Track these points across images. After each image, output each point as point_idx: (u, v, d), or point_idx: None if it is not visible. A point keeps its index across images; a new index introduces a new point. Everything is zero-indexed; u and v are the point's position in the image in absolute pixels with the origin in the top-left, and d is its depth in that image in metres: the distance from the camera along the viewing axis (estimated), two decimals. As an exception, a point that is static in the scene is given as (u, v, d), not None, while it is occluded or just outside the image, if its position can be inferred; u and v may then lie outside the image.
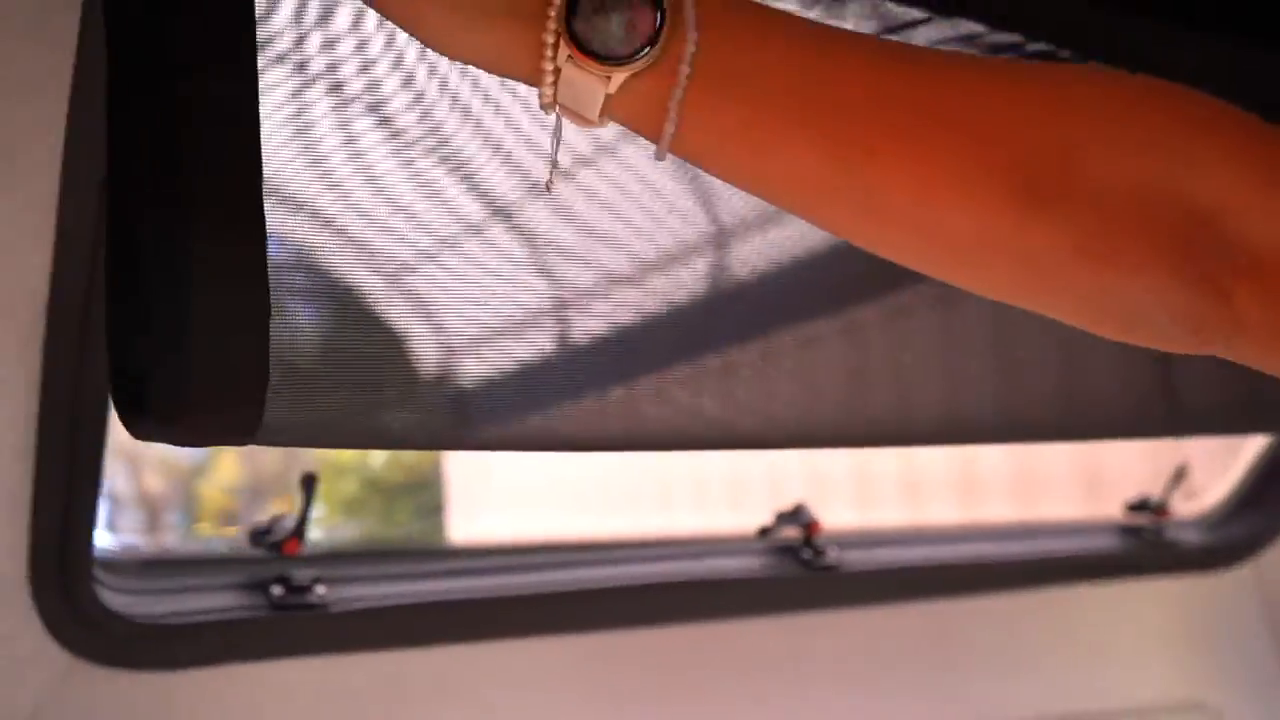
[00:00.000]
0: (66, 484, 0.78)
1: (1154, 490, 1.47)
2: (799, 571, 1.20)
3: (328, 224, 0.66)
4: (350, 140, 0.66)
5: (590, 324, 0.77)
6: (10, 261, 0.73)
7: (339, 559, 0.99)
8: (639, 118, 0.48)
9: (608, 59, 0.46)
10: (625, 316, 0.79)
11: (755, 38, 0.48)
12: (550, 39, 0.46)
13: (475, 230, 0.72)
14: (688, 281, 0.82)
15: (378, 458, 4.99)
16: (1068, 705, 1.40)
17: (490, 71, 0.49)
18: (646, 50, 0.46)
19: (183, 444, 0.57)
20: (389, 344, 0.69)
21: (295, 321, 0.64)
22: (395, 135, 0.68)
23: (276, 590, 0.92)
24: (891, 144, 0.47)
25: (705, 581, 1.15)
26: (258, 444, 0.59)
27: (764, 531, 1.22)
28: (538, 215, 0.75)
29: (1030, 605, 1.37)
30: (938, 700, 1.31)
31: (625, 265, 0.79)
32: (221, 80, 0.52)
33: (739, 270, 0.85)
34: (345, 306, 0.67)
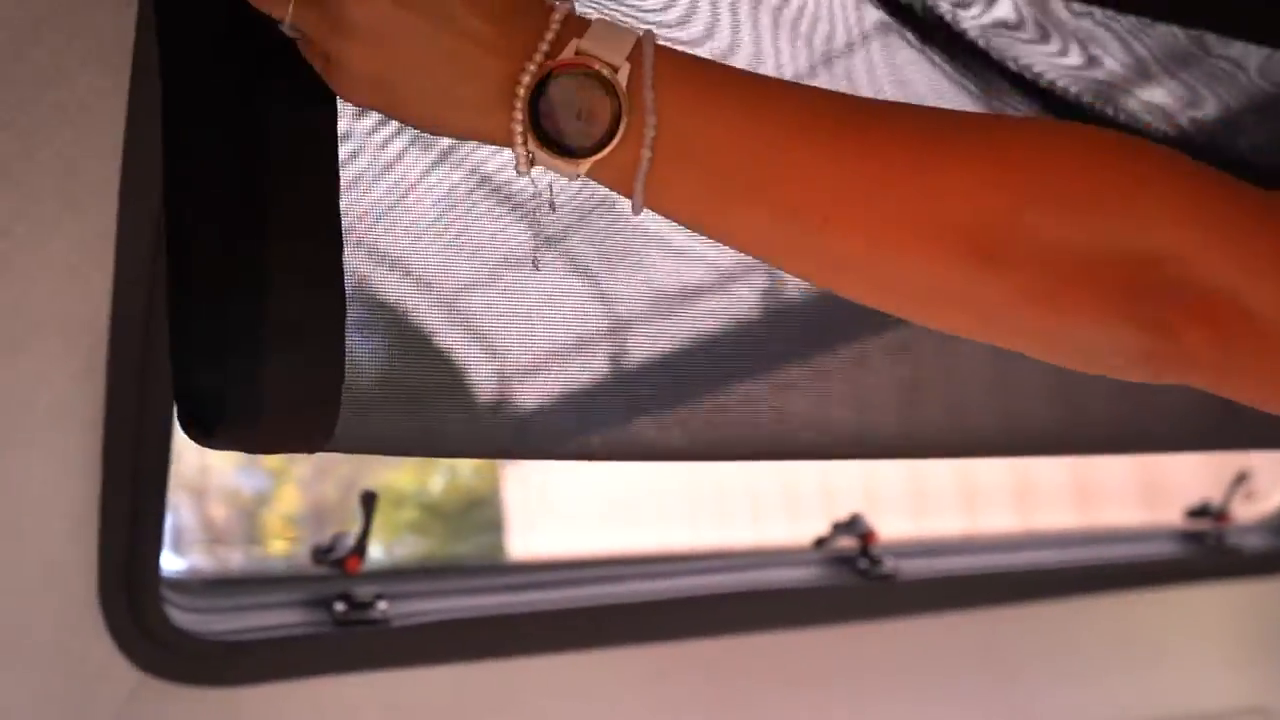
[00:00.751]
0: (133, 503, 0.80)
1: (1215, 496, 1.45)
2: (856, 581, 1.19)
3: (383, 242, 0.67)
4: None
5: (646, 344, 0.79)
6: (73, 284, 0.74)
7: (399, 575, 1.01)
8: (612, 185, 0.51)
9: (572, 153, 0.50)
10: (679, 335, 0.80)
11: (710, 114, 0.50)
12: (519, 128, 0.50)
13: (528, 254, 0.73)
14: (745, 299, 0.83)
15: (437, 484, 5.04)
16: (1128, 712, 1.39)
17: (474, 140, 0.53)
18: (608, 142, 0.49)
19: (258, 451, 0.58)
20: (452, 354, 0.70)
21: (366, 330, 0.65)
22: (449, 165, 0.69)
23: (339, 606, 0.93)
24: (844, 209, 0.50)
25: (763, 592, 1.15)
26: (330, 450, 0.60)
27: (820, 542, 1.21)
28: (596, 237, 0.76)
29: (1090, 612, 1.36)
30: (997, 709, 1.30)
31: (681, 285, 0.80)
32: (292, 98, 0.53)
33: (791, 288, 0.86)
34: (408, 319, 0.68)
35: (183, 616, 0.87)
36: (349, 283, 0.59)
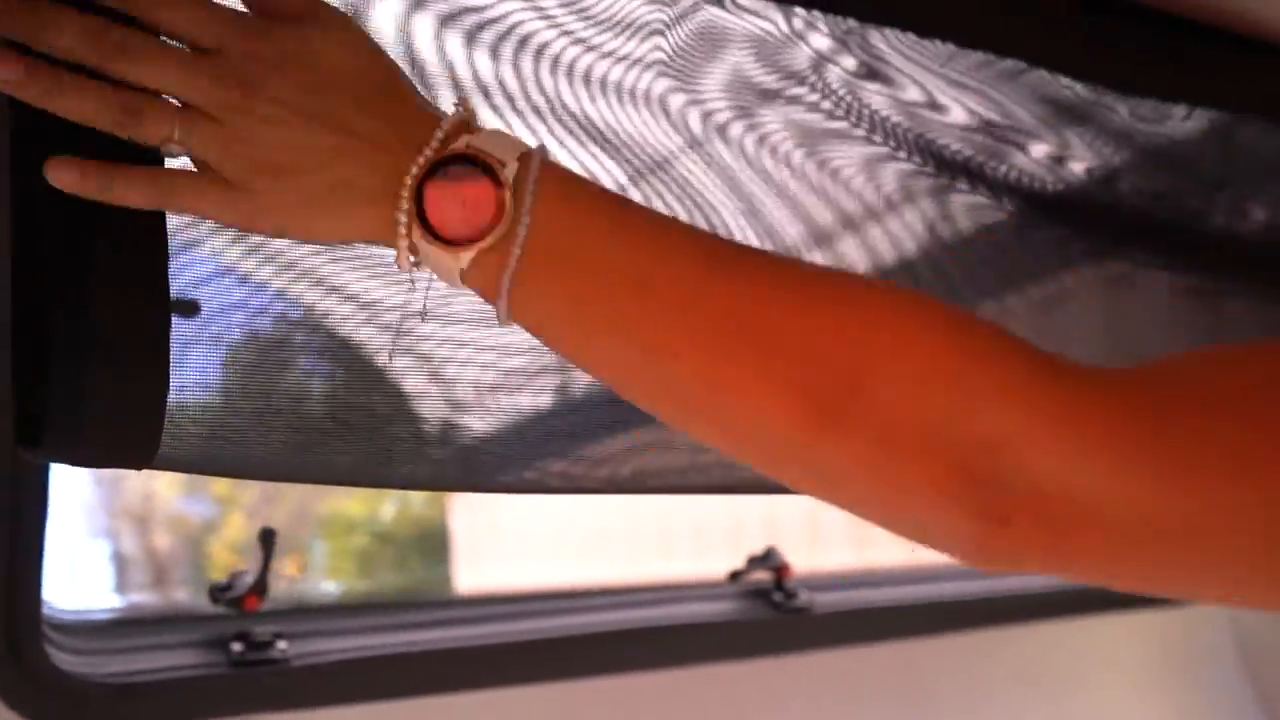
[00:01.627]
0: (9, 547, 0.76)
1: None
2: (771, 614, 1.18)
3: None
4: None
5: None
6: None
7: (302, 614, 0.97)
8: (482, 289, 0.52)
9: (453, 242, 0.51)
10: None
11: (581, 227, 0.52)
12: (403, 219, 0.51)
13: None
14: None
15: (388, 512, 5.03)
16: (1042, 743, 1.39)
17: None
18: (491, 231, 0.50)
19: (80, 464, 0.59)
20: (298, 380, 0.69)
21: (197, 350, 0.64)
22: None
23: (236, 647, 0.90)
24: (692, 350, 0.51)
25: (678, 627, 1.14)
26: (155, 469, 0.60)
27: (735, 575, 1.20)
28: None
29: (1004, 642, 1.37)
30: (913, 742, 1.30)
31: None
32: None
33: None
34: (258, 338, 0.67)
35: (67, 659, 0.83)
36: (216, 302, 0.60)
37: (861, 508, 0.53)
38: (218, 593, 0.92)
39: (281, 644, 0.91)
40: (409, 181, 0.50)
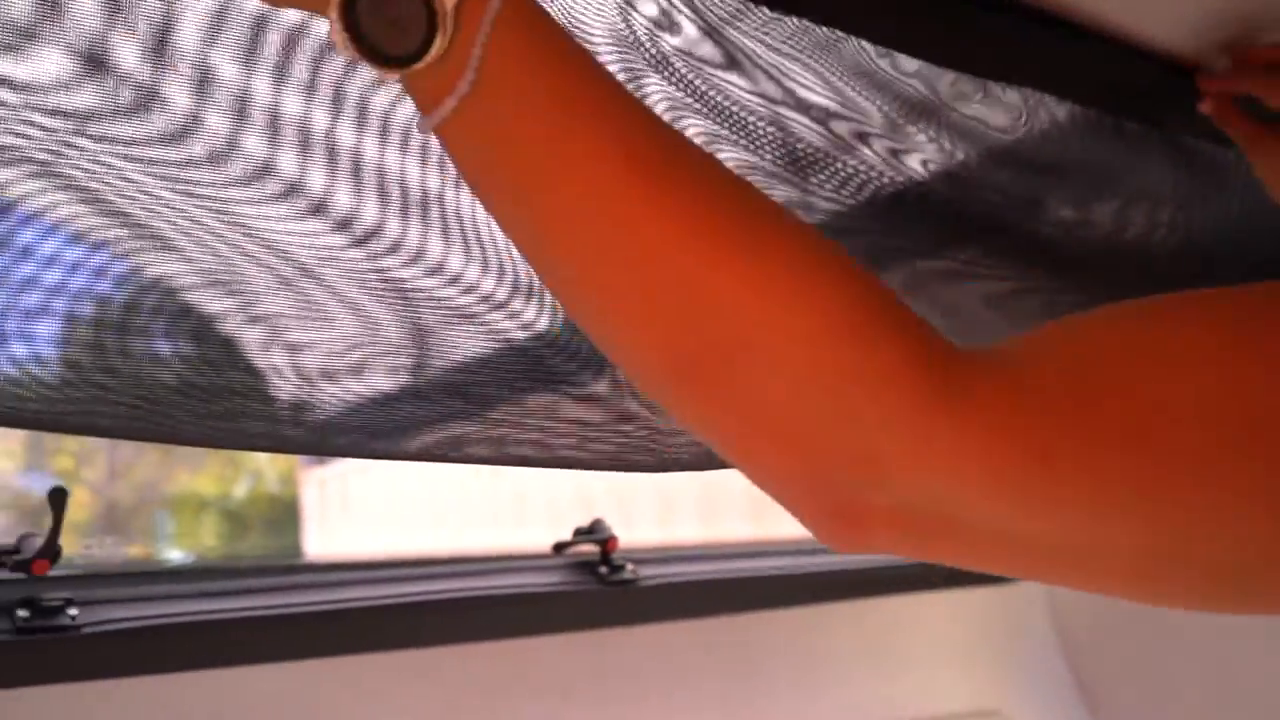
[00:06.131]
0: None
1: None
2: (596, 586, 1.18)
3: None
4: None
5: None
6: None
7: (97, 579, 0.93)
8: (424, 98, 0.48)
9: (385, 59, 0.47)
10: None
11: (536, 71, 0.48)
12: (337, 27, 0.47)
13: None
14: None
15: (241, 489, 4.94)
16: (868, 715, 1.41)
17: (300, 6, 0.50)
18: (419, 58, 0.47)
19: None
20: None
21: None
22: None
23: (22, 613, 0.86)
24: (581, 263, 0.48)
25: (501, 597, 1.12)
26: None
27: (560, 547, 1.19)
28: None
29: (830, 618, 1.38)
30: (738, 713, 1.31)
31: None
32: None
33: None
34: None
35: None
36: None
37: (720, 453, 0.52)
38: (4, 555, 0.87)
39: (72, 610, 0.87)
40: None
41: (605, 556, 1.18)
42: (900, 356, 0.47)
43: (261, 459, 4.61)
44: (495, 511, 4.41)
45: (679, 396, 0.49)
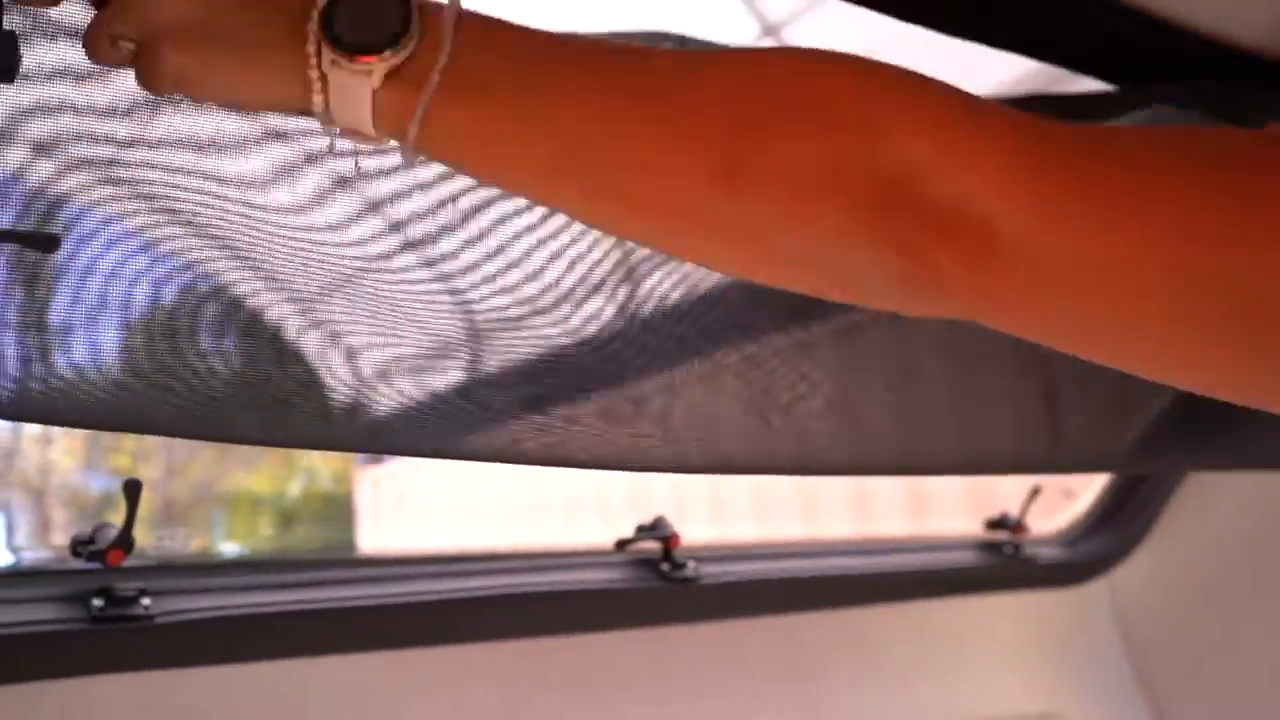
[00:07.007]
0: None
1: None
2: (657, 583, 1.18)
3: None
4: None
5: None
6: None
7: (170, 570, 0.94)
8: (400, 109, 0.52)
9: (364, 48, 0.50)
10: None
11: (498, 44, 0.52)
12: (312, 48, 0.50)
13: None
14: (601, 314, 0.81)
15: (295, 487, 5.00)
16: (926, 716, 1.41)
17: (277, 109, 0.55)
18: (401, 38, 0.50)
19: None
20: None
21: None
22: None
23: (97, 602, 0.87)
24: (602, 127, 0.52)
25: (563, 593, 1.13)
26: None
27: (622, 544, 1.19)
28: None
29: (890, 618, 1.38)
30: (796, 712, 1.30)
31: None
32: None
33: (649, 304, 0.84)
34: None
35: (-86, 612, 0.79)
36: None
37: (778, 261, 0.54)
38: (80, 546, 0.89)
39: (145, 600, 0.88)
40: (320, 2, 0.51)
41: (667, 554, 1.18)
42: (916, 79, 0.52)
43: (315, 458, 4.64)
44: (547, 510, 4.43)
45: (723, 204, 0.51)
